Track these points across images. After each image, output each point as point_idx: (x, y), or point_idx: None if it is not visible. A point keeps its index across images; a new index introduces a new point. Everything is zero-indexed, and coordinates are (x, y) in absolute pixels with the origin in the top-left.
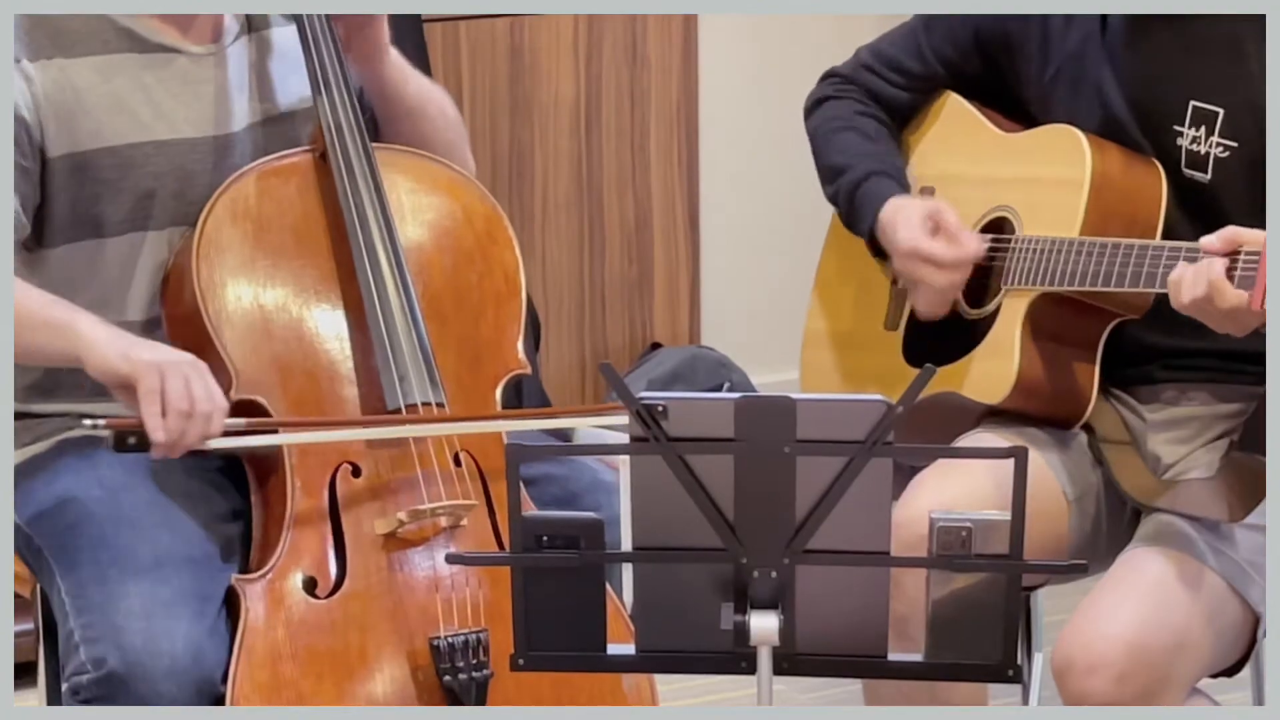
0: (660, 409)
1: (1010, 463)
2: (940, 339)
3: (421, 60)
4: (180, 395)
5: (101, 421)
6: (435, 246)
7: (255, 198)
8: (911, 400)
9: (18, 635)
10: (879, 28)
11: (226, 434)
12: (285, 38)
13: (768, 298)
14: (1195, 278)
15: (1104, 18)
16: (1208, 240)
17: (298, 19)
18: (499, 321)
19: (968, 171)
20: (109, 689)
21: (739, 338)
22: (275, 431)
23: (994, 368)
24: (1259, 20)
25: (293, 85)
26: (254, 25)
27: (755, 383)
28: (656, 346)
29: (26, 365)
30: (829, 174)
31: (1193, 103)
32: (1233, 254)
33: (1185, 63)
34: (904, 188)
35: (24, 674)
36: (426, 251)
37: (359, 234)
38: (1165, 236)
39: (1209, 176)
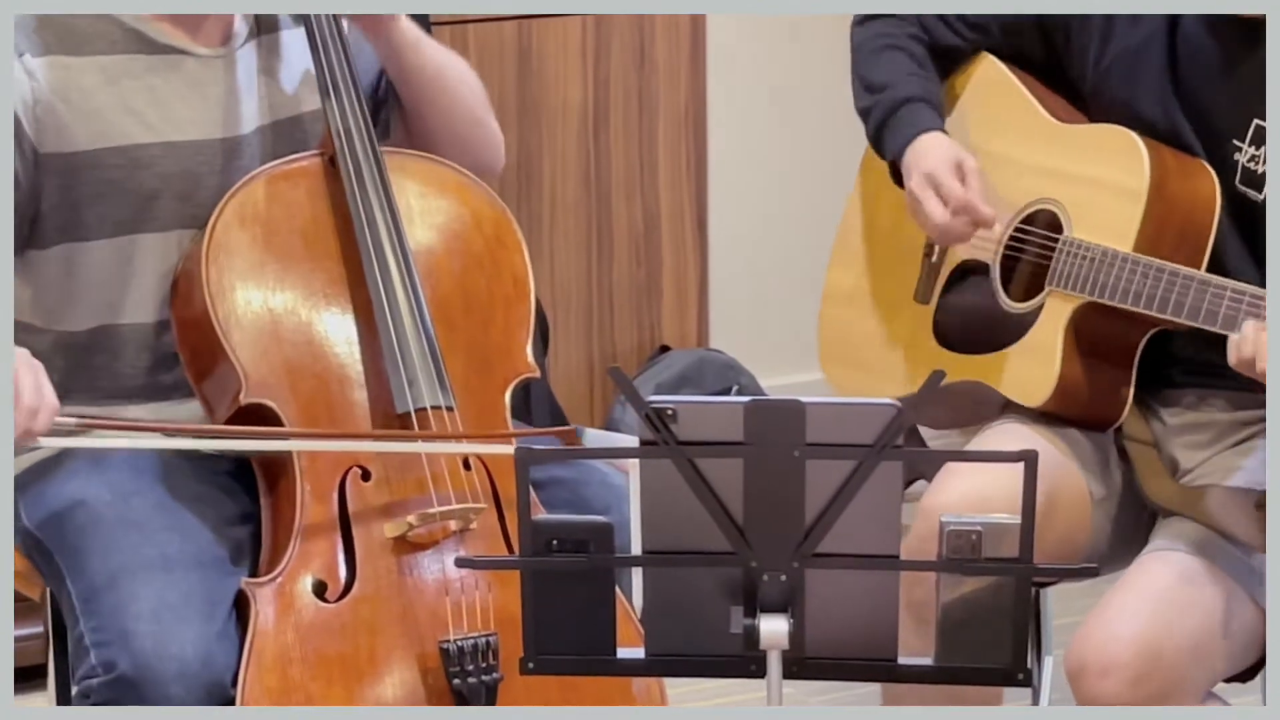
0: (669, 412)
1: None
2: (975, 324)
3: None
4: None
5: None
6: (444, 250)
7: (264, 201)
8: (919, 405)
9: (28, 639)
10: None
11: (55, 434)
12: (294, 41)
13: (776, 300)
14: (1256, 336)
15: (1173, 21)
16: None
17: (306, 23)
18: (508, 325)
19: (1013, 153)
20: (119, 692)
21: (747, 340)
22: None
23: (1033, 370)
24: None
25: (301, 89)
26: (263, 28)
27: (764, 385)
28: (665, 349)
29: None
30: (869, 86)
31: (1256, 121)
32: None
33: (1255, 79)
34: (942, 120)
35: (35, 677)
36: (435, 255)
37: (368, 238)
38: (1213, 249)
39: (1263, 196)
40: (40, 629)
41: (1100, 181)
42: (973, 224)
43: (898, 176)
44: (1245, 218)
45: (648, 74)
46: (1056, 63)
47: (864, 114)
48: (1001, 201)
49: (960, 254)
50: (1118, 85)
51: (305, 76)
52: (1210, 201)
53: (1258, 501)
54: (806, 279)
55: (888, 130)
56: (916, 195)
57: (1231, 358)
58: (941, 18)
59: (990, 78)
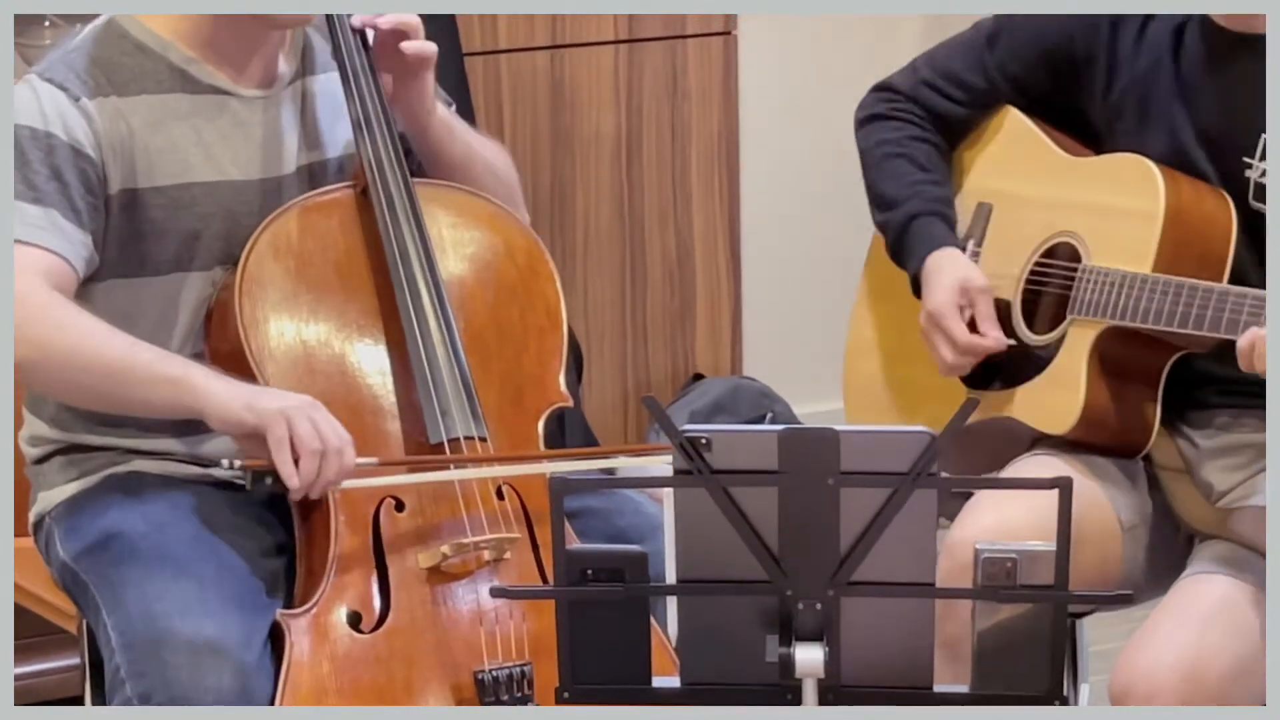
0: (704, 441)
1: None
2: (1000, 362)
3: (462, 95)
4: (310, 436)
5: (238, 463)
6: (477, 280)
7: (297, 233)
8: (954, 432)
9: (65, 670)
10: (922, 49)
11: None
12: (334, 83)
13: (810, 328)
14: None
15: (1177, 44)
16: None
17: (337, 57)
18: (541, 355)
19: (1030, 192)
20: None
21: (781, 368)
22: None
23: (1059, 398)
24: None
25: (340, 132)
26: (306, 71)
27: (798, 413)
28: (699, 378)
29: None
30: (879, 201)
31: (1264, 136)
32: None
33: (1260, 94)
34: (952, 226)
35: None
36: (468, 286)
37: (400, 269)
38: (1233, 269)
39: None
40: (77, 661)
41: (1116, 209)
42: (980, 359)
43: (919, 289)
44: (1259, 233)
45: (680, 102)
46: (1072, 107)
47: (880, 230)
48: (1023, 240)
49: None
50: (1130, 116)
51: (344, 120)
52: (1226, 225)
53: None
54: (840, 307)
55: (902, 251)
56: (926, 334)
57: (1242, 364)
58: (941, 92)
59: (1012, 127)
